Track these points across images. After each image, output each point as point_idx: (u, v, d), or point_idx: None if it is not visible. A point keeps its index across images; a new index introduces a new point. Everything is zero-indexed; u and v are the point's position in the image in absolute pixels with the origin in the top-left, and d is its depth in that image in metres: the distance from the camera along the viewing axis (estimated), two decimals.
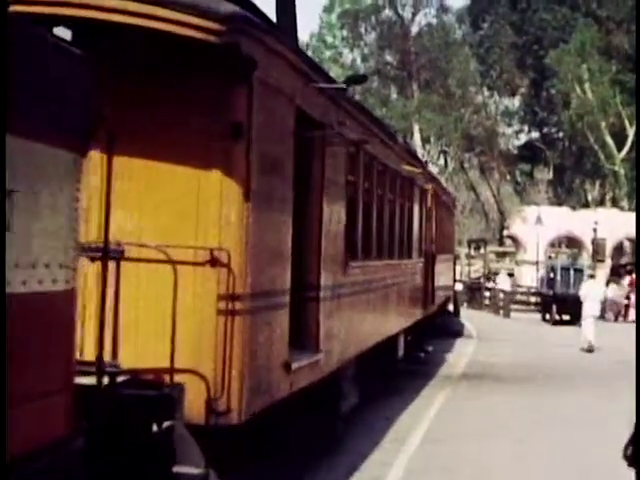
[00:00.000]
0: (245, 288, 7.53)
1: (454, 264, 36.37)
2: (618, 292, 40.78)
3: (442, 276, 28.07)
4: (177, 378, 6.83)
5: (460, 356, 24.57)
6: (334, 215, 11.07)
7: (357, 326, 12.85)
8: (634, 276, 42.12)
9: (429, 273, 22.51)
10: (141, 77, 7.51)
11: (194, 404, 6.82)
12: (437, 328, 28.85)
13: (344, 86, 11.68)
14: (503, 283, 45.99)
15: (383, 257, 15.38)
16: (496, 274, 51.43)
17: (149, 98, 7.52)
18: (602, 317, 32.31)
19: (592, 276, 34.54)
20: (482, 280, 50.91)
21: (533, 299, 43.89)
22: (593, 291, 30.11)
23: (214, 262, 7.33)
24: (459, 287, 38.21)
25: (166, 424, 6.42)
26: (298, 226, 9.50)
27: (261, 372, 8.05)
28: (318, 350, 10.33)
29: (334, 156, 11.02)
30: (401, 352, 18.74)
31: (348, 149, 11.90)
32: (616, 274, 47.24)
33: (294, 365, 9.07)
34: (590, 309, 29.15)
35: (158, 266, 6.96)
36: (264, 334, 8.11)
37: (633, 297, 39.86)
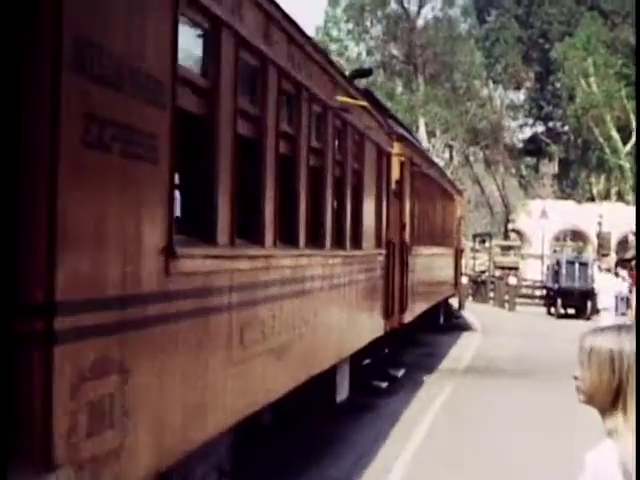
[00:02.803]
0: None
1: (456, 258, 31.74)
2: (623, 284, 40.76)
3: (430, 273, 23.18)
4: None
5: (465, 350, 24.61)
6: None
7: (197, 381, 6.55)
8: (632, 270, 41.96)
9: (394, 270, 16.51)
10: None
11: None
12: (439, 322, 28.88)
13: None
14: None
15: (288, 244, 9.19)
16: (513, 268, 51.33)
17: None
18: (616, 310, 32.22)
19: (608, 270, 34.56)
20: (489, 274, 50.88)
21: (538, 293, 43.89)
22: (609, 284, 30.18)
23: None
24: (464, 280, 38.20)
25: None
26: None
27: None
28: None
29: None
30: (344, 392, 12.87)
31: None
32: (624, 266, 47.19)
33: None
34: (605, 302, 29.28)
35: None
36: None
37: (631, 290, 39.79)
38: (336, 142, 11.49)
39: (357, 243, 12.98)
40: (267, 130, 8.33)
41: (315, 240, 10.32)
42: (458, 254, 32.63)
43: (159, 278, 5.67)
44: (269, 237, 8.30)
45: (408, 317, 18.06)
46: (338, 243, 11.62)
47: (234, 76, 7.21)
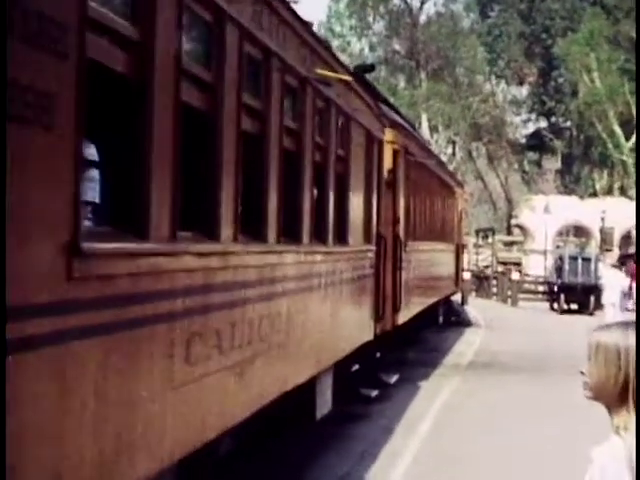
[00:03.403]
0: None
1: (457, 254, 30.50)
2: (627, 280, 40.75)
3: (428, 270, 21.91)
4: None
5: (468, 345, 24.60)
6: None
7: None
8: (633, 265, 41.89)
9: (386, 268, 15.16)
10: None
11: None
12: (444, 318, 28.89)
13: None
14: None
15: (253, 238, 7.68)
16: (516, 264, 51.20)
17: None
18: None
19: (614, 265, 34.51)
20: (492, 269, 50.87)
21: (541, 288, 43.87)
22: (614, 280, 30.16)
23: None
24: (467, 276, 38.19)
25: None
26: None
27: None
28: None
29: None
30: (325, 406, 11.11)
31: None
32: (623, 263, 47.19)
33: None
34: (611, 298, 29.27)
35: None
36: None
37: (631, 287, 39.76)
38: (316, 123, 9.85)
39: (342, 238, 11.49)
40: (223, 101, 6.60)
41: (289, 235, 8.72)
42: (459, 250, 31.42)
43: (56, 284, 4.16)
44: (226, 230, 6.74)
45: (402, 318, 16.65)
46: (318, 238, 10.05)
47: (175, 29, 5.62)
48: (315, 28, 13.28)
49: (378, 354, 15.80)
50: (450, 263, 28.60)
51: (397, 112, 17.97)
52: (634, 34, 61.72)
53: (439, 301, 25.95)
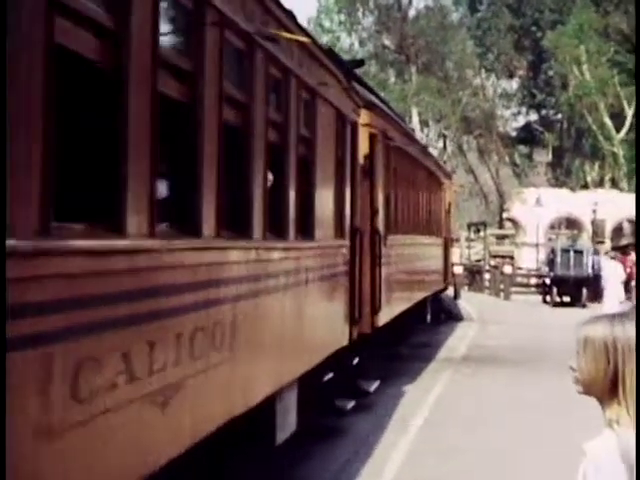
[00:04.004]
0: None
1: (446, 248, 29.11)
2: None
3: (413, 266, 20.45)
4: None
5: (461, 339, 24.62)
6: None
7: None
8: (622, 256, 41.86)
9: (363, 264, 13.83)
10: None
11: None
12: (437, 312, 28.88)
13: None
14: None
15: (180, 233, 6.25)
16: (508, 257, 51.14)
17: None
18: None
19: (613, 258, 34.49)
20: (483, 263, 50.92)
21: (533, 281, 43.92)
22: (615, 272, 30.18)
23: None
24: (459, 270, 38.20)
25: None
26: None
27: None
28: None
29: None
30: (288, 427, 9.44)
31: None
32: (625, 252, 47.17)
33: None
34: (613, 291, 29.31)
35: None
36: None
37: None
38: (270, 94, 8.34)
39: (306, 232, 10.00)
40: (130, 52, 5.04)
41: (234, 227, 7.29)
42: (448, 244, 30.12)
43: None
44: (136, 222, 5.17)
45: (383, 319, 15.24)
46: (275, 232, 8.59)
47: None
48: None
49: (356, 360, 14.07)
50: (438, 258, 27.31)
51: (363, 83, 16.07)
52: (624, 26, 61.80)
53: (426, 298, 24.62)
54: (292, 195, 9.27)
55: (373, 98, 16.15)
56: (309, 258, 10.14)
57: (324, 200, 11.03)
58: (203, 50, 6.35)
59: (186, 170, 6.33)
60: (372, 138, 14.84)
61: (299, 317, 9.61)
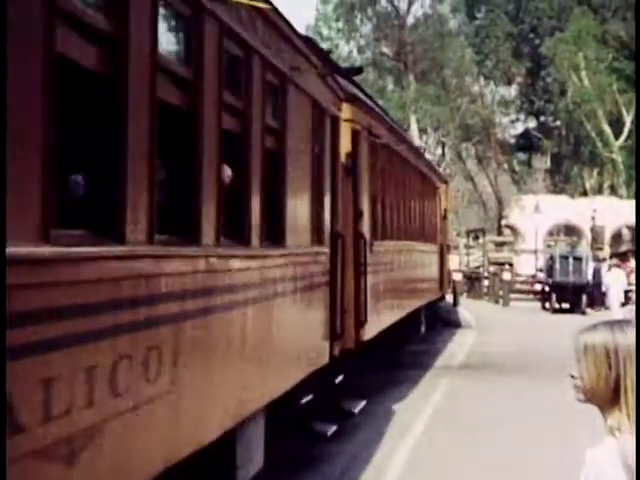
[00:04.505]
0: None
1: (441, 255, 27.94)
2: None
3: (404, 274, 19.18)
4: None
5: (459, 346, 24.58)
6: None
7: None
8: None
9: (346, 273, 12.62)
10: None
11: None
12: (436, 319, 28.84)
13: None
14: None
15: (104, 237, 5.03)
16: (507, 264, 51.14)
17: None
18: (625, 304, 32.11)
19: (617, 265, 34.54)
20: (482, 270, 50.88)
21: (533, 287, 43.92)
22: (618, 280, 30.22)
23: None
24: (458, 277, 38.16)
25: None
26: None
27: None
28: None
29: None
30: (253, 465, 8.22)
31: None
32: (625, 259, 47.20)
33: None
34: (615, 298, 29.36)
35: None
36: None
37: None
38: (225, 75, 7.04)
39: (275, 237, 8.73)
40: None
41: (175, 232, 6.15)
42: (444, 250, 29.04)
43: None
44: (33, 226, 4.09)
45: (369, 333, 13.95)
46: (233, 237, 7.36)
47: None
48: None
49: (340, 377, 12.88)
50: (433, 265, 26.03)
51: (342, 72, 14.68)
52: (622, 33, 61.87)
53: (420, 308, 23.32)
54: (256, 194, 7.89)
55: (357, 92, 14.97)
56: (278, 268, 8.82)
57: (298, 201, 9.71)
58: (127, 13, 5.13)
59: (106, 162, 5.03)
60: (355, 135, 13.70)
61: (265, 336, 8.27)
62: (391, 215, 17.57)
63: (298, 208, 9.72)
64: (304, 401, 10.62)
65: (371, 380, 16.48)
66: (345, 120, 12.94)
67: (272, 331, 8.51)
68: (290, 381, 9.29)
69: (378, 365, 17.66)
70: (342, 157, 12.73)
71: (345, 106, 12.98)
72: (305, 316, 10.11)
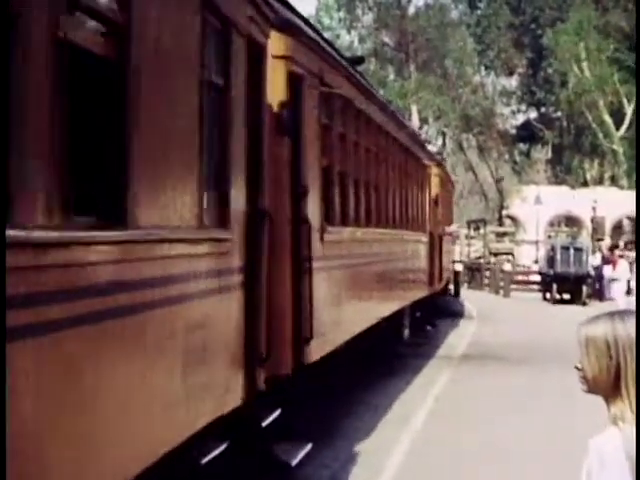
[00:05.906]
0: None
1: (431, 246, 24.16)
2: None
3: (377, 269, 15.60)
4: None
5: (461, 337, 24.60)
6: None
7: None
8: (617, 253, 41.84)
9: (278, 270, 9.15)
10: None
11: None
12: (438, 309, 28.84)
13: None
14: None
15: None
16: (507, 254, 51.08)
17: None
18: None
19: (621, 256, 34.57)
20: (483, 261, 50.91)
21: (533, 278, 43.93)
22: (623, 271, 30.28)
23: None
24: (459, 268, 38.17)
25: None
26: None
27: None
28: None
29: None
30: None
31: None
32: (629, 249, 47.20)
33: None
34: (620, 289, 29.44)
35: None
36: None
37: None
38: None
39: (113, 212, 5.11)
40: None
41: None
42: (435, 241, 25.19)
43: None
44: None
45: (320, 350, 10.54)
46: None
47: None
48: None
49: (272, 418, 8.68)
50: (420, 258, 22.21)
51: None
52: (623, 23, 61.77)
53: (402, 310, 19.32)
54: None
55: (303, 25, 10.67)
56: (105, 266, 4.90)
57: (164, 153, 5.90)
58: None
59: None
60: (295, 79, 9.93)
61: (132, 380, 5.27)
62: (357, 195, 13.86)
63: (169, 167, 6.00)
64: (204, 461, 6.91)
65: (325, 413, 12.15)
66: (277, 57, 9.42)
67: (128, 375, 5.23)
68: (172, 442, 5.87)
69: (337, 389, 13.28)
70: (273, 105, 9.26)
71: (277, 36, 9.30)
72: (196, 341, 6.46)
